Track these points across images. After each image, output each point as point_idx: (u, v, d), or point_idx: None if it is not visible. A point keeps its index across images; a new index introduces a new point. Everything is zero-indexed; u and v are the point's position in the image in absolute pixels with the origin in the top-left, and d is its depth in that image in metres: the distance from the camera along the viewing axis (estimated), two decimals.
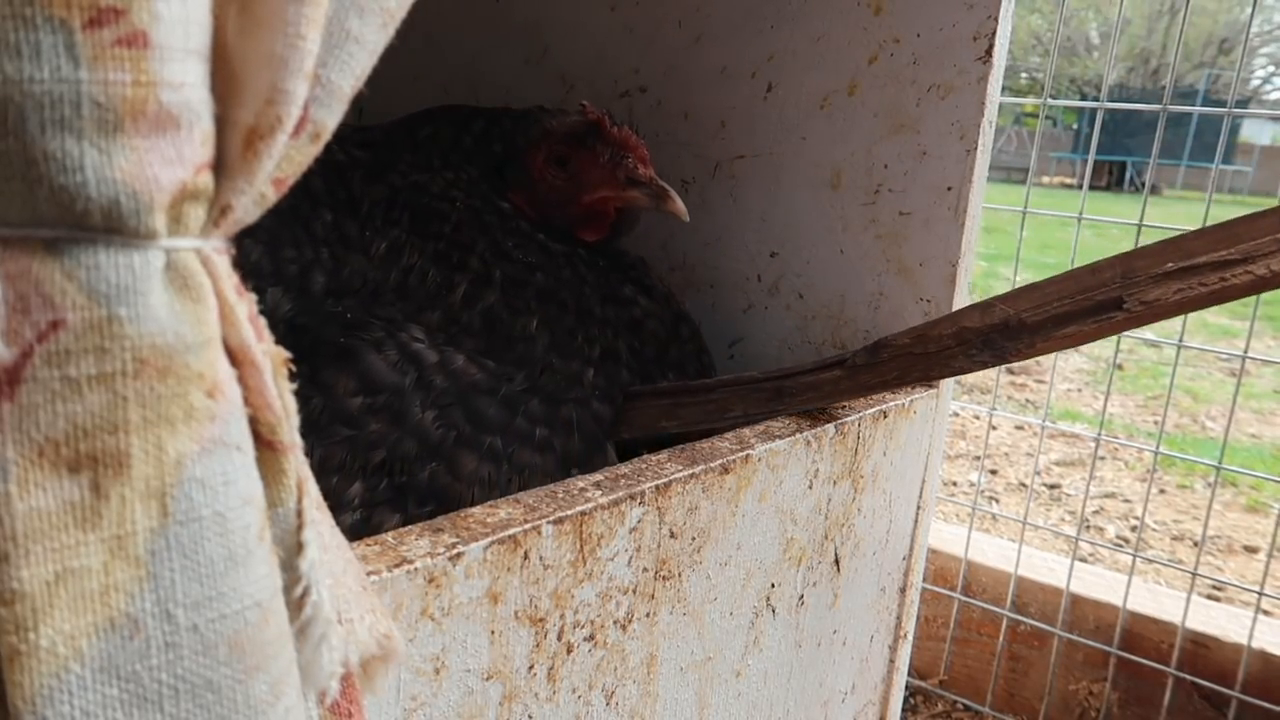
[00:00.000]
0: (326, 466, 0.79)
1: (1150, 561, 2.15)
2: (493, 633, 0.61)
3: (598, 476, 0.72)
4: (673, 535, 0.74)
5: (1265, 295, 0.83)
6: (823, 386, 0.90)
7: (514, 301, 0.95)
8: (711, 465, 0.76)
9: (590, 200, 1.02)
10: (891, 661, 1.15)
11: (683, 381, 1.00)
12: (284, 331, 0.86)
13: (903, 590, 1.12)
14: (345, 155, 1.00)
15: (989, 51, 1.01)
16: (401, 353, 0.86)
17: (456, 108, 1.09)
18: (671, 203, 0.99)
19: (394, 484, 0.81)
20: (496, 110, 1.08)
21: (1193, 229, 0.78)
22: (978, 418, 3.92)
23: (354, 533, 0.79)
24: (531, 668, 0.65)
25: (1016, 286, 0.84)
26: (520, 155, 1.03)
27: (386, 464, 0.81)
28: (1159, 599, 1.95)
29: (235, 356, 0.31)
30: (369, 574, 0.53)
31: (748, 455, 0.80)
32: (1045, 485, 3.41)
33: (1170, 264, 0.74)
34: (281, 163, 0.32)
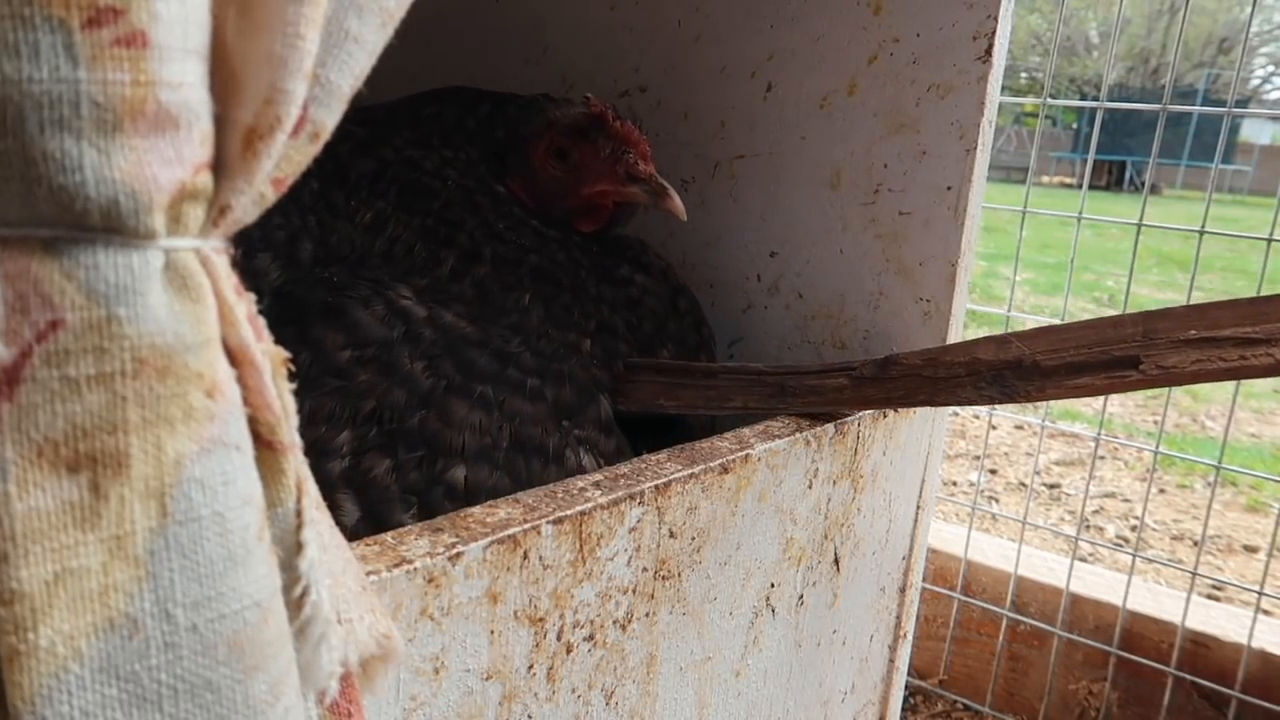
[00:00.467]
0: (316, 417, 0.79)
1: (1150, 561, 2.15)
2: (492, 633, 0.61)
3: (597, 476, 0.72)
4: (672, 535, 0.74)
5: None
6: (826, 392, 0.89)
7: (506, 277, 0.94)
8: (711, 465, 0.76)
9: (589, 193, 1.02)
10: (891, 661, 1.15)
11: (686, 362, 1.00)
12: (272, 299, 0.86)
13: (902, 590, 1.12)
14: (339, 129, 1.00)
15: (989, 51, 1.01)
16: (389, 308, 0.85)
17: (464, 89, 1.09)
18: (670, 201, 0.98)
19: (384, 431, 0.80)
20: (503, 95, 1.08)
21: (1216, 299, 0.74)
22: (977, 417, 3.92)
23: (344, 479, 0.78)
24: (531, 668, 0.65)
25: (1033, 326, 0.82)
26: (522, 143, 1.03)
27: (376, 412, 0.80)
28: (1159, 599, 1.95)
29: (234, 356, 0.31)
30: (368, 574, 0.53)
31: (747, 455, 0.80)
32: (1045, 485, 3.41)
33: (1193, 331, 0.72)
34: (280, 162, 0.32)
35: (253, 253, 0.88)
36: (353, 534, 0.75)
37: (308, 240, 0.92)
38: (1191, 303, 0.77)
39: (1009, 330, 0.84)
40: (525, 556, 0.62)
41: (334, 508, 0.76)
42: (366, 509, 0.77)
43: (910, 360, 0.85)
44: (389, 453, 0.80)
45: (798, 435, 0.86)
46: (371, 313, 0.84)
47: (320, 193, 0.95)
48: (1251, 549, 3.00)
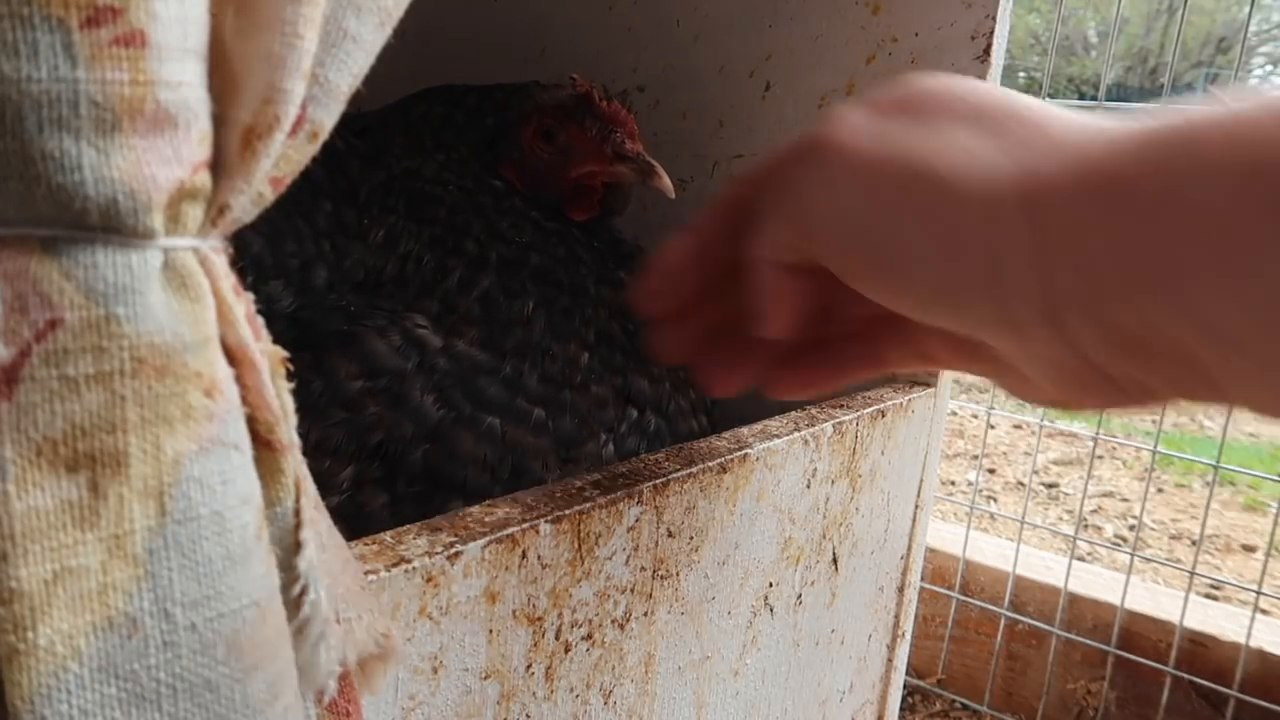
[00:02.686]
0: (322, 448, 0.79)
1: (1148, 560, 2.16)
2: (490, 632, 0.61)
3: (595, 475, 0.72)
4: (670, 534, 0.74)
5: None
6: None
7: (509, 284, 0.95)
8: (709, 464, 0.76)
9: (577, 174, 1.02)
10: (889, 660, 1.15)
11: None
12: (286, 325, 0.86)
13: (901, 589, 1.13)
14: (344, 143, 1.00)
15: (987, 51, 1.01)
16: (405, 338, 0.86)
17: (450, 86, 1.09)
18: (658, 178, 0.99)
19: (386, 465, 0.81)
20: (490, 85, 1.08)
21: None
22: (976, 417, 3.92)
23: (340, 513, 0.78)
24: (529, 667, 0.65)
25: None
26: (512, 128, 1.03)
27: (383, 446, 0.81)
28: (1157, 598, 1.95)
29: (233, 356, 0.31)
30: (367, 573, 0.53)
31: (745, 454, 0.80)
32: (1043, 484, 3.42)
33: None
34: (279, 162, 0.32)
35: (265, 278, 0.88)
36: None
37: (322, 267, 0.92)
38: None
39: None
40: (524, 555, 0.62)
41: None
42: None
43: None
44: (387, 487, 0.80)
45: (795, 435, 0.86)
46: (387, 342, 0.85)
47: (334, 213, 0.95)
48: (1250, 548, 3.00)
